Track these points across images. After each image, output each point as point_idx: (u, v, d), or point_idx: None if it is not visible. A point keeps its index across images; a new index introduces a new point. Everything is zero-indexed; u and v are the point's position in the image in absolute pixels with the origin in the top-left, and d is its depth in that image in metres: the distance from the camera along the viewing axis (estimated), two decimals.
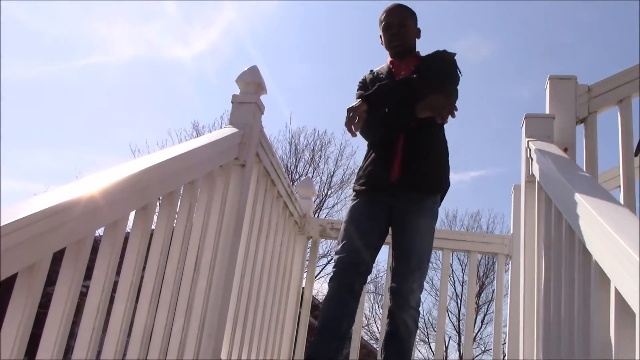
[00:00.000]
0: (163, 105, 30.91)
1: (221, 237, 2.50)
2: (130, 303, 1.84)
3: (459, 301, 23.67)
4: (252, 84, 2.71)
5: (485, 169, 37.51)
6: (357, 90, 2.91)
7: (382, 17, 2.92)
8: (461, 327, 22.98)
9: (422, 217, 2.70)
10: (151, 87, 30.33)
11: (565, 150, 2.63)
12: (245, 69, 2.72)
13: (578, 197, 1.80)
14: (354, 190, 2.86)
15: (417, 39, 2.95)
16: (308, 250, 4.02)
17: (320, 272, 19.16)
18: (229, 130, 2.60)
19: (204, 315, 2.40)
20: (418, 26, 2.95)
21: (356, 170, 3.10)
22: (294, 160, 21.32)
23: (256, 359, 3.13)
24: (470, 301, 4.00)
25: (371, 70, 2.98)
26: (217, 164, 2.38)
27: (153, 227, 1.99)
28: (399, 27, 2.87)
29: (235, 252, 2.62)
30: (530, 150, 2.61)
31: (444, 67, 2.78)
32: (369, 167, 2.82)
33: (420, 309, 2.72)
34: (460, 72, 2.79)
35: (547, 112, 2.74)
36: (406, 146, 2.73)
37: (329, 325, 2.61)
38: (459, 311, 23.18)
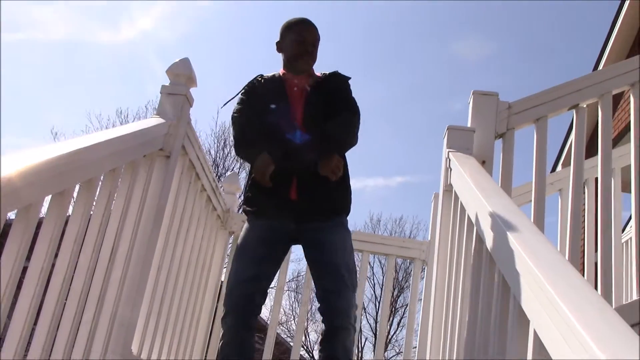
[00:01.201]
0: (90, 90, 30.11)
1: (140, 228, 2.48)
2: (40, 289, 1.80)
3: (377, 304, 24.05)
4: (182, 76, 2.70)
5: (411, 175, 38.30)
6: (242, 95, 2.70)
7: (297, 29, 2.72)
8: (378, 329, 23.36)
9: (336, 232, 2.54)
10: (79, 70, 29.49)
11: (483, 163, 2.74)
12: (177, 60, 2.70)
13: (488, 210, 1.88)
14: (245, 212, 2.64)
15: None
16: (230, 245, 4.01)
17: None
18: (156, 120, 2.58)
19: (116, 305, 2.37)
20: None
21: None
22: (222, 155, 21.16)
23: (168, 351, 3.10)
24: (385, 303, 4.09)
25: (261, 75, 2.77)
26: (140, 153, 2.36)
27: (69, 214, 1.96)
28: (313, 47, 2.71)
29: (153, 244, 2.60)
30: (450, 160, 2.70)
31: (345, 110, 2.62)
32: (260, 186, 2.52)
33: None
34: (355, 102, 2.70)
35: (469, 125, 2.84)
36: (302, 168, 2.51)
37: None
38: (377, 313, 23.55)
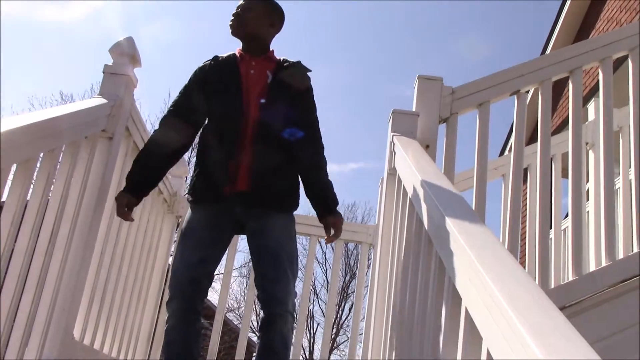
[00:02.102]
0: (34, 70, 29.32)
1: (82, 210, 2.44)
2: None
3: (327, 289, 24.19)
4: (126, 56, 2.65)
5: (364, 161, 38.54)
6: (182, 90, 2.63)
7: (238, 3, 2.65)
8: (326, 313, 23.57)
9: (281, 219, 2.52)
10: (22, 50, 28.64)
11: (427, 147, 2.78)
12: (121, 39, 2.66)
13: (428, 192, 1.91)
14: (189, 202, 2.59)
15: (271, 37, 2.69)
16: (177, 229, 3.98)
17: None
18: (98, 100, 2.53)
19: (57, 289, 2.34)
20: (278, 24, 2.69)
21: None
22: None
23: (113, 336, 3.07)
24: (333, 287, 4.12)
25: (215, 57, 2.67)
26: (82, 134, 2.32)
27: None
28: (244, 10, 2.60)
29: (96, 227, 2.56)
30: (394, 144, 2.73)
31: (312, 144, 2.60)
32: (206, 175, 2.54)
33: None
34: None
35: (414, 109, 2.88)
36: (253, 155, 2.48)
37: (180, 358, 2.41)
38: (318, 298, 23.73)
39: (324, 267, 25.56)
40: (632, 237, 2.77)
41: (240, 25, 2.61)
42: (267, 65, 2.61)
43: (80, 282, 2.50)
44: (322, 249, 24.48)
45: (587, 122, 4.08)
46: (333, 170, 36.36)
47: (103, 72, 2.63)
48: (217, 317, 3.78)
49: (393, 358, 2.21)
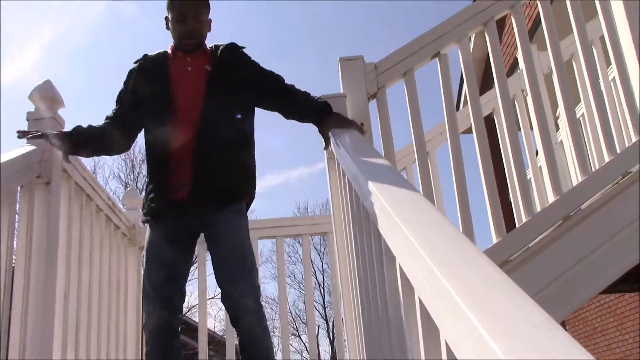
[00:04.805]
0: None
1: (32, 260, 2.42)
2: None
3: (322, 289, 24.19)
4: (47, 99, 2.63)
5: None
6: (117, 97, 2.62)
7: (175, 4, 2.52)
8: (327, 314, 23.52)
9: (230, 220, 2.47)
10: None
11: (362, 125, 2.80)
12: (40, 83, 2.64)
13: (360, 171, 1.91)
14: (143, 222, 2.59)
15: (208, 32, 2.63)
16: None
17: None
18: (26, 148, 2.52)
19: (23, 339, 2.33)
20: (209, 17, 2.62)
21: None
22: (132, 176, 20.81)
23: None
24: (308, 283, 4.12)
25: (145, 55, 2.62)
26: (15, 183, 2.30)
27: None
28: (195, 22, 2.51)
29: (52, 274, 2.54)
30: None
31: (282, 88, 2.67)
32: (154, 191, 2.51)
33: (262, 303, 2.55)
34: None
35: (342, 92, 2.90)
36: (196, 156, 2.44)
37: None
38: (324, 299, 23.71)
39: (312, 269, 25.51)
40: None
41: (200, 37, 2.58)
42: (203, 60, 2.56)
43: (47, 330, 2.47)
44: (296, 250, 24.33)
45: (518, 70, 4.15)
46: (303, 173, 36.35)
47: (27, 120, 2.61)
48: (200, 337, 3.76)
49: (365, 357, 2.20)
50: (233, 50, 2.63)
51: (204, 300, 3.92)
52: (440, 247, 1.13)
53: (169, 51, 2.61)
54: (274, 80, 2.67)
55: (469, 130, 3.81)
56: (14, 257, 2.38)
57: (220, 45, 2.64)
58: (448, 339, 0.93)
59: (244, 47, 2.67)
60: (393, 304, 1.47)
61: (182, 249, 2.52)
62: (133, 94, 2.57)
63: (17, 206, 2.45)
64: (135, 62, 2.62)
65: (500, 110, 2.93)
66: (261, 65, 2.68)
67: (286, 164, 39.61)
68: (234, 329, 2.47)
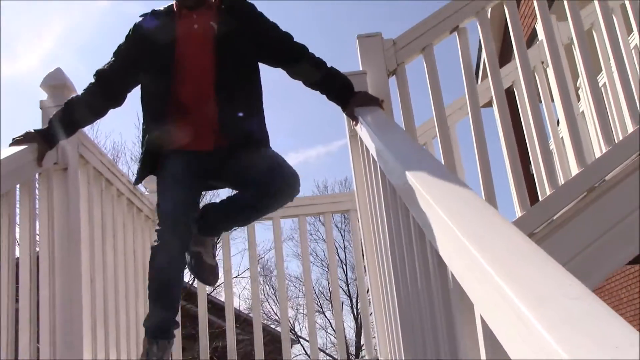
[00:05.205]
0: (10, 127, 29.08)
1: (56, 245, 2.45)
2: None
3: (344, 266, 24.22)
4: (58, 87, 2.64)
5: None
6: (116, 50, 2.54)
7: None
8: (350, 290, 23.59)
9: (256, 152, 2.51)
10: None
11: (382, 102, 2.77)
12: (50, 71, 2.65)
13: (385, 147, 1.91)
14: (165, 151, 2.48)
15: None
16: None
17: None
18: None
19: (52, 324, 2.36)
20: None
21: None
22: None
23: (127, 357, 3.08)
24: (332, 261, 4.13)
25: (153, 11, 2.55)
26: (33, 171, 2.31)
27: None
28: None
29: (77, 258, 2.56)
30: None
31: (295, 54, 2.60)
32: (168, 135, 2.46)
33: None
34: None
35: (360, 69, 2.87)
36: (217, 111, 2.44)
37: (172, 294, 2.44)
38: (346, 276, 23.77)
39: (334, 246, 25.60)
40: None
41: None
42: (208, 16, 2.49)
43: (76, 311, 2.50)
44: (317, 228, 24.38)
45: (537, 42, 4.09)
46: (320, 152, 36.34)
47: (41, 108, 2.63)
48: (227, 316, 3.79)
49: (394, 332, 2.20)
50: (236, 2, 2.57)
51: (229, 280, 3.95)
52: (471, 219, 1.12)
53: (175, 8, 2.53)
54: (280, 42, 2.61)
55: (487, 105, 3.79)
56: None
57: None
58: (484, 313, 0.92)
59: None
60: (424, 280, 1.46)
61: (198, 185, 2.55)
62: (135, 48, 2.50)
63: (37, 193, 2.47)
64: (140, 16, 2.56)
65: (522, 81, 2.88)
66: (268, 20, 2.61)
67: (305, 143, 39.56)
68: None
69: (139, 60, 2.50)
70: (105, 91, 2.52)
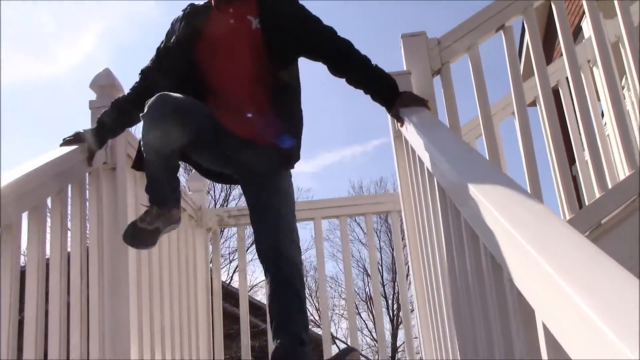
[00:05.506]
0: (54, 127, 29.75)
1: (105, 243, 2.49)
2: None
3: (380, 267, 24.17)
4: (107, 87, 2.68)
5: (386, 136, 38.33)
6: (158, 47, 2.53)
7: None
8: (387, 292, 23.53)
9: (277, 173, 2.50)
10: (37, 111, 29.07)
11: (427, 102, 2.75)
12: (99, 72, 2.70)
13: (431, 146, 1.90)
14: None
15: None
16: (210, 241, 4.02)
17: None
18: None
19: (102, 321, 2.39)
20: None
21: None
22: None
23: (172, 355, 3.11)
24: (373, 262, 4.12)
25: (191, 4, 2.52)
26: (84, 171, 2.36)
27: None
28: None
29: (124, 256, 2.59)
30: None
31: (322, 39, 2.47)
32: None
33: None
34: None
35: (404, 69, 2.86)
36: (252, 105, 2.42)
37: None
38: (382, 277, 23.69)
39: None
40: None
41: None
42: (246, 9, 2.41)
43: (124, 309, 2.53)
44: (362, 230, 24.36)
45: (584, 40, 4.02)
46: (356, 152, 36.29)
47: (90, 109, 2.68)
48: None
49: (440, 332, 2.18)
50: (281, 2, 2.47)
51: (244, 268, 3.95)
52: (529, 221, 1.10)
53: (213, 4, 2.47)
54: (322, 36, 2.50)
55: (529, 104, 3.73)
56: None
57: None
58: (547, 322, 0.91)
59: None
60: (476, 283, 1.45)
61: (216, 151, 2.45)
62: (174, 44, 2.46)
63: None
64: (182, 11, 2.52)
65: (570, 79, 2.83)
66: (310, 13, 2.50)
67: (340, 142, 39.56)
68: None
69: (179, 55, 2.46)
70: (151, 89, 2.46)
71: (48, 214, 2.07)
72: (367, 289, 24.18)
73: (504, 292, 1.22)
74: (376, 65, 2.53)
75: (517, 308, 1.14)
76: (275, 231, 2.38)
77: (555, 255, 0.92)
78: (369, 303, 23.81)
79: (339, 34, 2.52)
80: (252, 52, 2.38)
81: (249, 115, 2.40)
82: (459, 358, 1.81)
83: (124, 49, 30.36)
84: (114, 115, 2.50)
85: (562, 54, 2.92)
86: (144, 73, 2.56)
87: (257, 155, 2.42)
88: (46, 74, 27.99)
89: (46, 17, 27.12)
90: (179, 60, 2.46)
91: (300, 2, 2.53)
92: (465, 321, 1.65)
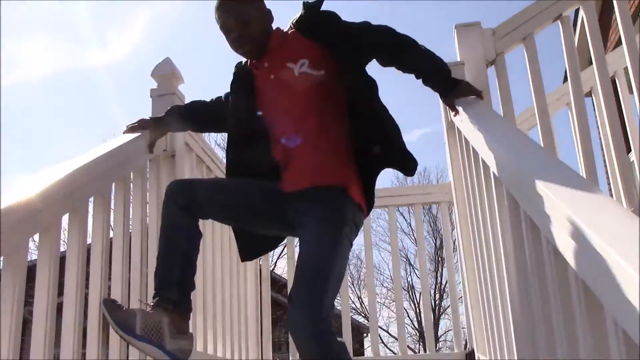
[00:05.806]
0: (94, 116, 30.38)
1: None
2: (80, 307, 1.89)
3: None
4: (167, 76, 2.75)
5: (431, 126, 38.02)
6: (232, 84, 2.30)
7: (216, 17, 2.12)
8: (429, 281, 23.42)
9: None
10: (76, 100, 29.71)
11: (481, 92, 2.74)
12: (160, 61, 2.76)
13: (488, 137, 1.90)
14: None
15: (271, 24, 2.20)
16: None
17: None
18: None
19: None
20: (266, 8, 2.19)
21: None
22: None
23: (223, 339, 3.17)
24: (421, 252, 4.12)
25: (239, 62, 2.32)
26: (146, 157, 2.43)
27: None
28: (242, 28, 2.08)
29: None
30: None
31: (365, 37, 2.18)
32: None
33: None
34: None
35: (458, 59, 2.84)
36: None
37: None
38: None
39: (412, 236, 25.39)
40: None
41: (253, 44, 2.14)
42: (280, 56, 2.15)
43: None
44: (405, 220, 24.25)
45: None
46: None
47: (150, 97, 2.75)
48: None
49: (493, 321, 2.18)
50: (305, 20, 2.19)
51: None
52: (596, 213, 1.10)
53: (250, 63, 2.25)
54: (366, 33, 2.22)
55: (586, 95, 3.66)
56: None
57: (291, 24, 2.22)
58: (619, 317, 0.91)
59: (316, 6, 2.18)
60: (536, 276, 1.45)
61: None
62: (233, 107, 2.29)
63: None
64: (235, 66, 2.35)
65: (630, 68, 2.76)
66: (343, 20, 2.20)
67: None
68: None
69: (239, 116, 2.27)
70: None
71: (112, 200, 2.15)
72: (408, 279, 24.10)
73: (568, 286, 1.22)
74: (432, 52, 2.32)
75: (583, 303, 1.14)
76: None
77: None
78: (410, 292, 23.71)
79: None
80: (297, 100, 2.13)
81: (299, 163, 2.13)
82: (514, 348, 1.81)
83: (172, 37, 30.72)
84: (188, 114, 2.46)
85: (614, 47, 2.87)
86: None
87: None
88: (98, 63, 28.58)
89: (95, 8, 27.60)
90: (241, 117, 2.26)
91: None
92: (523, 314, 1.65)
